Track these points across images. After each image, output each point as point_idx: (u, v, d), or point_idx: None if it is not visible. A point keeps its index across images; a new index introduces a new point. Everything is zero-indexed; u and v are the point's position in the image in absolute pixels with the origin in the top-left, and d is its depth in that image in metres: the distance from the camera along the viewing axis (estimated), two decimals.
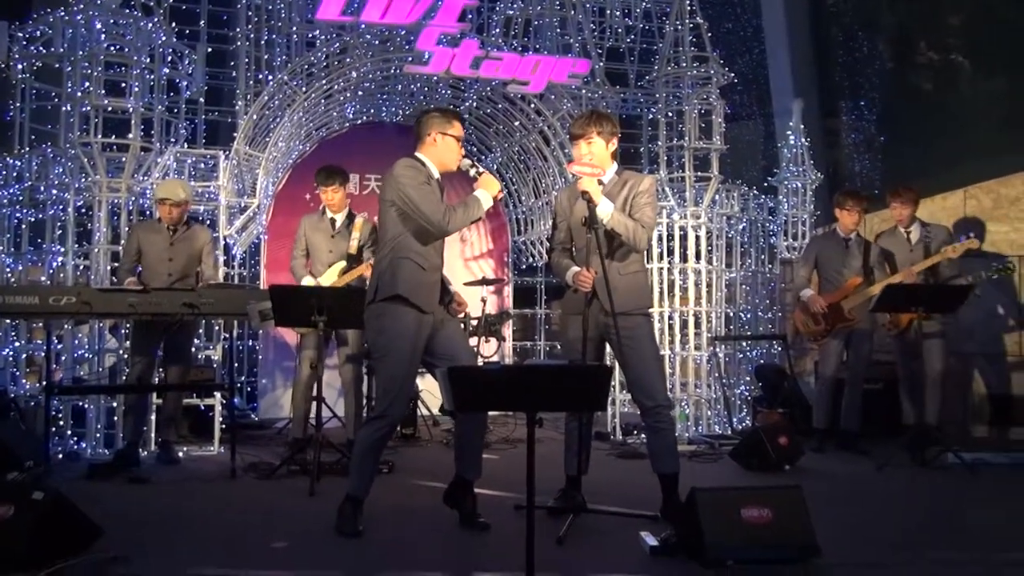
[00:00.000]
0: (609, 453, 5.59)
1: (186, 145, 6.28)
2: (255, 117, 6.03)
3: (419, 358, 3.58)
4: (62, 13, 5.51)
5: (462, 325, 3.67)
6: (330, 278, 5.34)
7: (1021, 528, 3.78)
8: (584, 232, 3.75)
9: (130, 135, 5.44)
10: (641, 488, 4.18)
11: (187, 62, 6.21)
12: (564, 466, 3.95)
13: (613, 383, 6.20)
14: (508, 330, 8.06)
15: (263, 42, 6.79)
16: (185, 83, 6.32)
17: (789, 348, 6.80)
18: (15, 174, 5.71)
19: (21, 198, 5.69)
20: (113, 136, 5.47)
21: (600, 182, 3.74)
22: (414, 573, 3.05)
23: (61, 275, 5.50)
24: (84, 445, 5.34)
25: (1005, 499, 4.41)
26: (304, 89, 6.22)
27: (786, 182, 7.57)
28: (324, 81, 6.32)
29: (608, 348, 4.00)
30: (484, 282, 6.83)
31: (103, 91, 5.40)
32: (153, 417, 5.42)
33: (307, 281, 5.40)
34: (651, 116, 7.49)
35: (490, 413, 6.89)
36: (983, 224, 6.42)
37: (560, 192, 4.19)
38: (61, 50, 5.56)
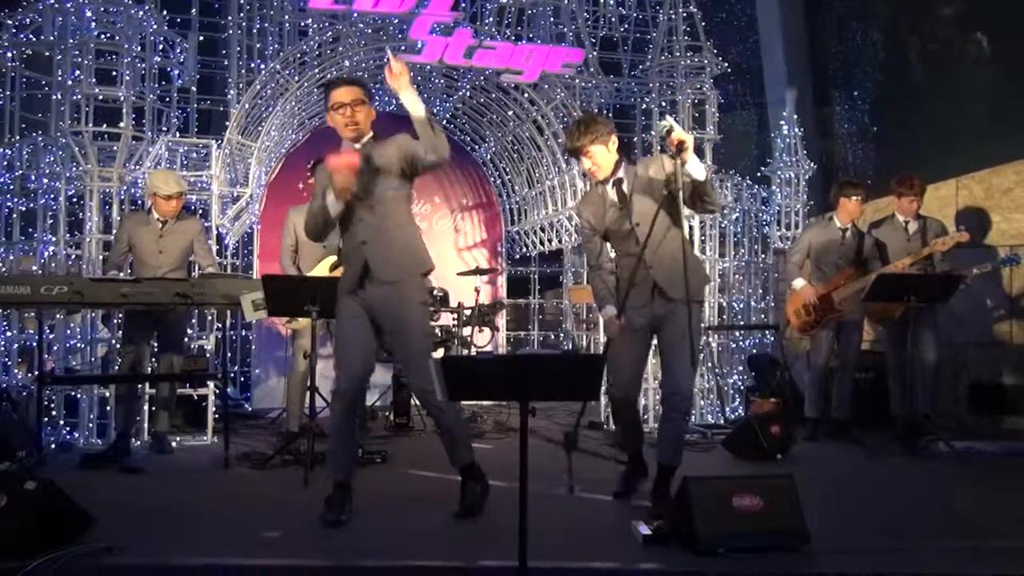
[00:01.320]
0: (602, 443, 5.61)
1: (178, 134, 6.26)
2: (247, 106, 6.00)
3: (355, 330, 3.54)
4: (52, 1, 5.47)
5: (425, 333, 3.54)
6: (321, 272, 5.32)
7: (1010, 516, 3.80)
8: (625, 230, 3.73)
9: (121, 124, 5.41)
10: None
11: (178, 51, 6.18)
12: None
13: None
14: (502, 320, 8.07)
15: (255, 30, 6.76)
16: (177, 72, 6.29)
17: (782, 338, 6.82)
18: (5, 163, 5.67)
19: (12, 187, 5.66)
20: (104, 125, 5.43)
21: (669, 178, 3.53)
22: (407, 561, 3.05)
23: (53, 265, 5.48)
24: (76, 435, 5.33)
25: (995, 487, 4.44)
26: (297, 78, 6.20)
27: (779, 172, 7.57)
28: (317, 70, 6.29)
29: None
30: (478, 272, 6.83)
31: (94, 80, 5.36)
32: (146, 407, 5.42)
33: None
34: (644, 106, 7.47)
35: (483, 403, 6.93)
36: (984, 214, 6.43)
37: (579, 205, 4.04)
38: (51, 38, 5.51)
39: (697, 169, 3.47)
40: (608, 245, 3.95)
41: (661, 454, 3.79)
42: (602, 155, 3.68)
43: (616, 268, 3.90)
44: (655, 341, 3.90)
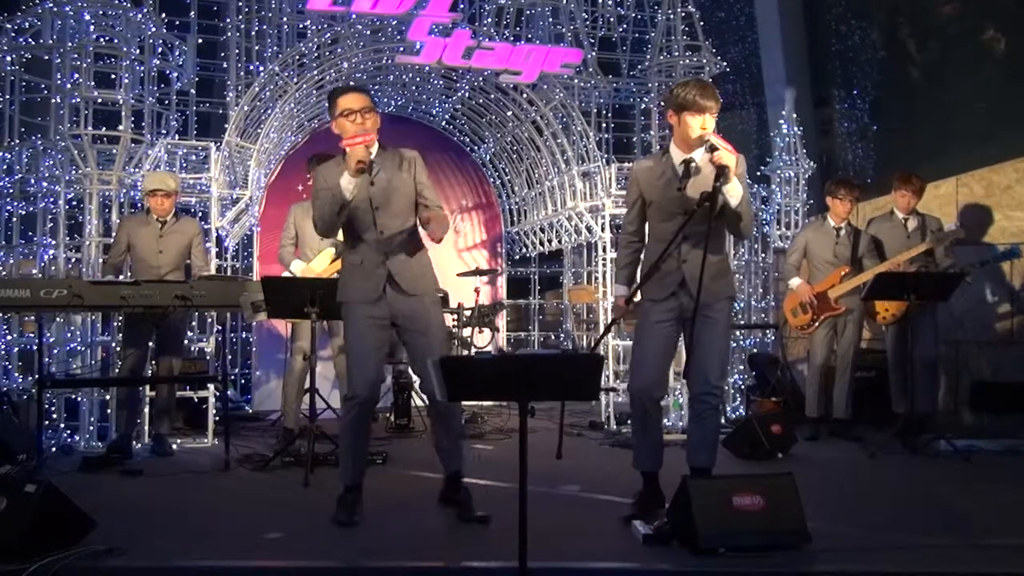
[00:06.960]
0: (602, 443, 5.61)
1: (177, 137, 6.25)
2: (246, 108, 6.00)
3: (374, 339, 3.55)
4: (51, 4, 5.47)
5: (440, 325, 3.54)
6: (321, 263, 5.32)
7: (1011, 514, 3.80)
8: (671, 212, 3.48)
9: (120, 127, 5.41)
10: (636, 477, 4.17)
11: (177, 53, 6.17)
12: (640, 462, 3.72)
13: (607, 372, 6.22)
14: (502, 320, 8.07)
15: (254, 33, 6.75)
16: (175, 74, 6.29)
17: (782, 337, 6.82)
18: (5, 167, 5.68)
19: (11, 191, 5.67)
20: (103, 128, 5.44)
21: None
22: (408, 562, 3.06)
23: (52, 268, 5.48)
24: (77, 438, 5.33)
25: (996, 485, 4.43)
26: (295, 80, 6.20)
27: (779, 171, 7.56)
28: (315, 72, 6.29)
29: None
30: (477, 272, 6.83)
31: (93, 83, 5.36)
32: (146, 410, 5.42)
33: (296, 264, 5.38)
34: (643, 106, 7.48)
35: (483, 403, 6.92)
36: (984, 212, 6.42)
37: (636, 165, 3.75)
38: (50, 41, 5.52)
39: (733, 195, 3.33)
40: (646, 223, 3.73)
41: (694, 457, 3.57)
42: (712, 124, 3.45)
43: (643, 249, 3.73)
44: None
